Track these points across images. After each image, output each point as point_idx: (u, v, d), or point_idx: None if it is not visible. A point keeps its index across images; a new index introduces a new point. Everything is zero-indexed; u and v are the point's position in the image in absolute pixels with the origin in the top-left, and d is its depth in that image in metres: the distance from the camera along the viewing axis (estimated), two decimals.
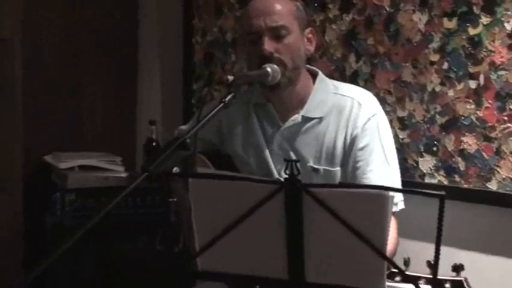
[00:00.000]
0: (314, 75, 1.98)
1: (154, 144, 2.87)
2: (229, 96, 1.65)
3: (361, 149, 1.87)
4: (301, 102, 1.92)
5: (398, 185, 1.92)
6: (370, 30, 2.48)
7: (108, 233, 2.45)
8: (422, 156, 2.33)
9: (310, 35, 1.94)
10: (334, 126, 1.90)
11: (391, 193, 1.80)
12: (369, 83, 2.48)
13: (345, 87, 1.97)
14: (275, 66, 1.84)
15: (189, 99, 3.29)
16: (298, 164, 1.20)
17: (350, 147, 1.88)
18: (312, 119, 1.92)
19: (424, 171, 2.33)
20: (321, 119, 1.91)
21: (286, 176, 1.26)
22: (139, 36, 3.41)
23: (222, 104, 1.62)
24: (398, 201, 1.88)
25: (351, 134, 1.87)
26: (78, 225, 1.23)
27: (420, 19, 2.32)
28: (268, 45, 1.82)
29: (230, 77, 1.72)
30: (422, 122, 2.33)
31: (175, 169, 1.69)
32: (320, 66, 2.55)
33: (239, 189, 1.30)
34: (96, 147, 3.20)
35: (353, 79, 2.53)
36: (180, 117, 3.30)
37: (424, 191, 1.26)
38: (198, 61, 3.26)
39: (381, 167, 1.88)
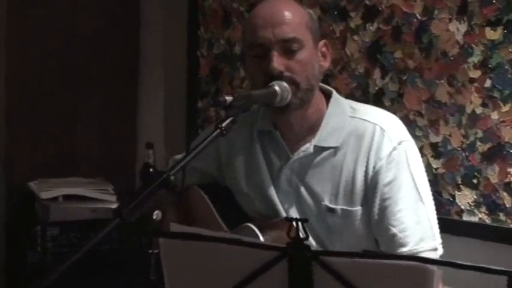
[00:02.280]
0: (327, 96, 1.75)
1: (151, 170, 2.49)
2: (227, 121, 1.43)
3: (387, 184, 1.63)
4: (313, 129, 1.71)
5: (436, 226, 1.67)
6: (399, 42, 2.32)
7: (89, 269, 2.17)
8: (460, 190, 2.17)
9: (324, 49, 1.71)
10: (352, 157, 1.67)
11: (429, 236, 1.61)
12: (396, 103, 2.32)
13: (364, 110, 1.74)
14: (285, 84, 1.60)
15: (193, 118, 3.17)
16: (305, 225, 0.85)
17: (373, 182, 1.64)
18: (326, 148, 1.69)
19: (462, 207, 2.16)
20: (336, 148, 1.68)
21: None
22: (140, 48, 3.32)
23: (218, 131, 1.41)
24: (437, 244, 1.65)
25: (374, 167, 1.64)
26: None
27: (458, 29, 2.16)
28: (278, 62, 1.60)
29: (228, 97, 1.48)
30: (460, 149, 2.17)
31: (157, 213, 1.41)
32: (340, 83, 2.47)
33: (227, 254, 0.98)
34: (91, 173, 3.02)
35: (378, 98, 2.37)
36: (183, 138, 3.17)
37: (488, 267, 0.92)
38: (203, 76, 3.14)
39: (413, 206, 1.63)
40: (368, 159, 1.64)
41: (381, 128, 1.66)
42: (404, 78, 2.30)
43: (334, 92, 1.75)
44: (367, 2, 2.41)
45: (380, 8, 2.37)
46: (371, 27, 2.40)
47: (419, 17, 2.26)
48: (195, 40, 3.15)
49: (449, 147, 2.19)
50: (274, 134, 1.74)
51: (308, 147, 1.69)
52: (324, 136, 1.69)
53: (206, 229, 1.77)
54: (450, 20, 2.17)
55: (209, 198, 1.83)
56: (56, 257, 2.51)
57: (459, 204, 2.17)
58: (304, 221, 0.90)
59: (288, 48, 1.62)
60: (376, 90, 2.38)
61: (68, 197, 2.72)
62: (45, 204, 2.66)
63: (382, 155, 1.63)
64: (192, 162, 1.40)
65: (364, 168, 1.65)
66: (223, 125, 1.42)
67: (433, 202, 1.70)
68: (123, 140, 3.25)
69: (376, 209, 1.63)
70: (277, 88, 1.59)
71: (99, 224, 2.44)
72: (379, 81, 2.38)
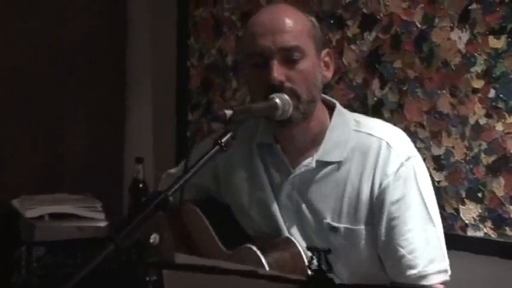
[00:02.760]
0: (330, 108, 1.70)
1: (141, 186, 2.53)
2: (227, 136, 1.40)
3: (395, 202, 1.58)
4: (315, 143, 1.65)
5: (444, 247, 1.64)
6: (398, 51, 2.29)
7: None
8: (463, 204, 2.13)
9: (327, 58, 1.66)
10: (357, 173, 1.62)
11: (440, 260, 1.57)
12: (396, 115, 2.28)
13: (369, 123, 1.69)
14: (286, 96, 1.56)
15: (183, 131, 3.11)
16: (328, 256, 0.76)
17: (379, 200, 1.59)
18: (329, 163, 1.64)
19: (467, 221, 2.13)
20: (340, 163, 1.63)
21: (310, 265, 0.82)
22: (127, 58, 3.24)
23: (217, 147, 1.39)
24: (447, 266, 1.62)
25: (380, 184, 1.59)
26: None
27: (460, 37, 2.12)
28: (279, 72, 1.55)
29: (228, 111, 1.44)
30: (463, 161, 2.13)
31: (154, 236, 1.37)
32: (337, 94, 2.41)
33: (238, 286, 0.87)
34: (77, 189, 2.92)
35: (377, 110, 2.33)
36: (173, 153, 3.12)
37: None
38: (194, 88, 3.09)
39: (423, 225, 1.59)
40: (374, 175, 1.60)
41: (387, 143, 1.61)
42: (405, 88, 2.26)
43: (338, 104, 1.70)
44: (365, 10, 2.36)
45: (378, 17, 2.33)
46: (369, 36, 2.36)
47: (419, 26, 2.22)
48: (185, 50, 3.10)
49: (452, 160, 2.14)
50: (275, 148, 1.69)
51: (310, 161, 1.64)
52: (327, 150, 1.64)
53: (202, 248, 1.75)
54: (452, 28, 2.13)
55: (205, 215, 1.77)
56: (42, 279, 2.43)
57: (463, 218, 2.12)
58: (326, 251, 0.81)
59: (289, 57, 1.56)
60: (375, 101, 2.34)
61: (54, 215, 2.63)
62: (30, 223, 2.57)
63: (389, 171, 1.59)
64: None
65: (369, 185, 1.60)
66: (223, 140, 1.38)
67: (440, 220, 1.65)
68: (110, 154, 3.17)
69: (383, 229, 1.58)
70: (277, 101, 1.54)
71: (87, 243, 2.40)
72: (378, 92, 2.33)
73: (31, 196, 2.75)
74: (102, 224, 2.60)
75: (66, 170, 3.06)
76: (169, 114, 3.15)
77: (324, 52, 1.65)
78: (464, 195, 2.12)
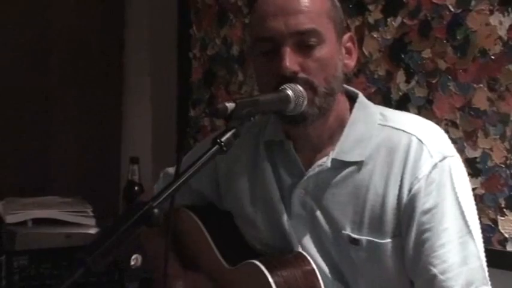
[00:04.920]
0: (352, 99, 1.59)
1: (136, 188, 2.50)
2: (227, 135, 1.27)
3: (427, 212, 1.44)
4: (333, 139, 1.54)
5: (485, 268, 1.49)
6: (427, 39, 2.18)
7: None
8: (503, 214, 2.02)
9: (349, 44, 1.55)
10: (382, 176, 1.49)
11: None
12: (424, 111, 2.17)
13: (398, 117, 1.57)
14: (299, 87, 1.44)
15: (184, 128, 3.10)
16: None
17: (409, 209, 1.46)
18: (348, 163, 1.52)
19: (506, 235, 2.01)
20: (361, 163, 1.51)
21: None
22: (124, 49, 3.22)
23: (216, 147, 1.26)
24: None
25: (410, 189, 1.46)
26: None
27: (501, 22, 1.99)
28: (292, 60, 1.45)
29: (230, 104, 1.32)
30: (503, 166, 2.01)
31: (135, 257, 1.27)
32: (356, 88, 2.33)
33: None
34: (67, 191, 2.84)
35: (402, 105, 2.23)
36: (173, 152, 3.09)
37: None
38: (196, 81, 3.07)
39: (459, 240, 1.45)
40: (402, 178, 1.46)
41: (419, 140, 1.48)
42: (434, 81, 2.15)
43: (361, 95, 1.58)
44: None
45: (404, 0, 2.21)
46: (393, 22, 2.26)
47: (452, 9, 2.09)
48: (186, 40, 3.08)
49: (489, 164, 2.03)
50: (286, 145, 1.57)
51: (325, 161, 1.52)
52: (345, 148, 1.53)
53: (200, 262, 1.60)
54: (491, 12, 1.99)
55: (204, 223, 1.69)
56: None
57: (502, 231, 2.00)
58: None
59: (304, 42, 1.45)
60: (400, 96, 2.24)
61: (38, 221, 2.51)
62: (11, 229, 2.45)
63: (420, 174, 1.45)
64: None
65: (396, 191, 1.47)
66: (224, 139, 1.25)
67: (481, 234, 1.50)
68: (105, 153, 3.11)
69: (411, 243, 1.46)
70: (289, 92, 1.42)
71: (75, 252, 2.29)
72: (403, 86, 2.23)
73: (15, 199, 2.66)
74: (92, 230, 2.50)
75: (56, 172, 2.99)
76: (169, 110, 3.13)
77: (345, 37, 1.53)
78: (503, 205, 2.00)
